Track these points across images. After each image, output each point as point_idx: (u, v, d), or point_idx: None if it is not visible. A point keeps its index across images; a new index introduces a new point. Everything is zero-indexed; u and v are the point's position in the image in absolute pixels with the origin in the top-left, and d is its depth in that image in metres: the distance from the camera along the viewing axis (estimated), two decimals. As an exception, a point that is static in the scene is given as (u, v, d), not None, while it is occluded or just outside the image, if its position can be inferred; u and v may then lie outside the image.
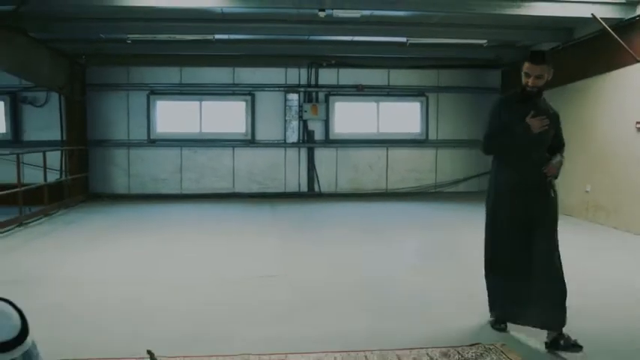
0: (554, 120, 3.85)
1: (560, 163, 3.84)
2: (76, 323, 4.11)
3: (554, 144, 3.90)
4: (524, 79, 3.73)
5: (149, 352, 2.39)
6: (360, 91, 12.46)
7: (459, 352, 3.56)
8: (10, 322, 1.73)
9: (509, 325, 3.96)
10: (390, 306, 4.59)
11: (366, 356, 3.49)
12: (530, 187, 3.75)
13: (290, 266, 6.00)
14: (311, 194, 12.41)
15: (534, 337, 3.77)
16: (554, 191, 3.82)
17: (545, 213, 3.74)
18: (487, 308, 4.07)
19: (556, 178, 3.83)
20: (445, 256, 6.52)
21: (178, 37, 9.81)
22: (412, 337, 3.83)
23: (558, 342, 3.60)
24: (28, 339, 1.75)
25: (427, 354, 3.53)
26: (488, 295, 4.02)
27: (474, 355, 3.53)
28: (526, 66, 3.71)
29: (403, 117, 12.73)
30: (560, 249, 3.71)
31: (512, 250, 3.78)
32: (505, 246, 3.82)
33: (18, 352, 1.73)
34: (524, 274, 3.73)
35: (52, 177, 10.69)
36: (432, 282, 5.35)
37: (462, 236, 7.71)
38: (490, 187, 3.97)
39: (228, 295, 4.91)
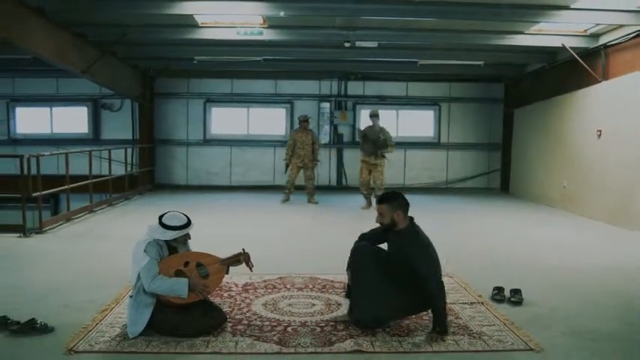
0: (407, 255, 3.92)
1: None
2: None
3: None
4: None
5: (243, 249, 4.13)
6: (382, 101, 14.08)
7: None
8: (183, 217, 3.93)
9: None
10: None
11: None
12: None
13: (312, 232, 8.31)
14: (339, 187, 14.22)
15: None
16: None
17: None
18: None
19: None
20: (433, 229, 8.50)
21: (234, 58, 11.79)
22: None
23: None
24: (192, 224, 3.93)
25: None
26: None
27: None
28: None
29: (419, 123, 14.41)
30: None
31: None
32: None
33: (190, 228, 3.92)
34: None
35: (121, 169, 12.52)
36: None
37: (459, 217, 9.79)
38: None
39: (273, 247, 7.12)
